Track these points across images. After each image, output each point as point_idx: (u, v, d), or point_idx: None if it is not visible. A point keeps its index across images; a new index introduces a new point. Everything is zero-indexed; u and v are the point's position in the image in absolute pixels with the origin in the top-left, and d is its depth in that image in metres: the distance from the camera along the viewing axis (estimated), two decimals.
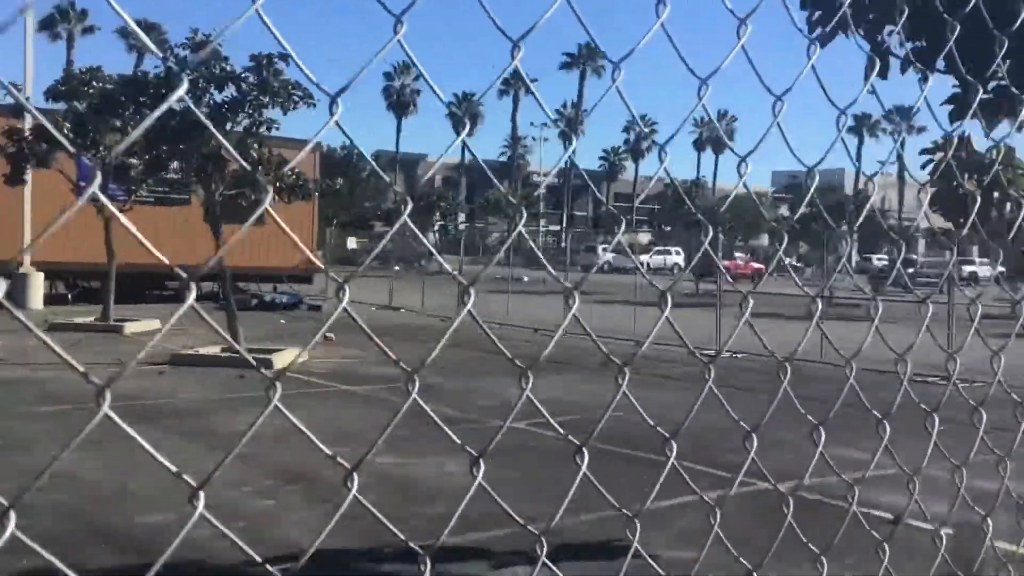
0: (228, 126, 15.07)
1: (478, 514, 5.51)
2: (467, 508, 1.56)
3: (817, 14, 5.20)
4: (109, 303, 20.24)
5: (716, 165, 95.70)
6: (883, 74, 4.91)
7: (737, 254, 60.33)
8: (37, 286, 25.18)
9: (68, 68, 17.85)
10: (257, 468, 7.92)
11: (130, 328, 19.72)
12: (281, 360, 14.78)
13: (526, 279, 47.51)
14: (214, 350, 15.33)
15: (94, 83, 16.72)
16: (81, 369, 1.01)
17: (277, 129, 15.29)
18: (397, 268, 44.33)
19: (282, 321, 23.14)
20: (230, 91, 14.77)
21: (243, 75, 14.42)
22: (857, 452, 5.80)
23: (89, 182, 1.01)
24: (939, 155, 10.45)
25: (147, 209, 25.47)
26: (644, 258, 58.00)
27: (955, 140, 5.19)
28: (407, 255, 52.13)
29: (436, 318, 24.74)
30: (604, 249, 64.47)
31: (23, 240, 24.73)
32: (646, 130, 74.59)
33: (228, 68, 14.36)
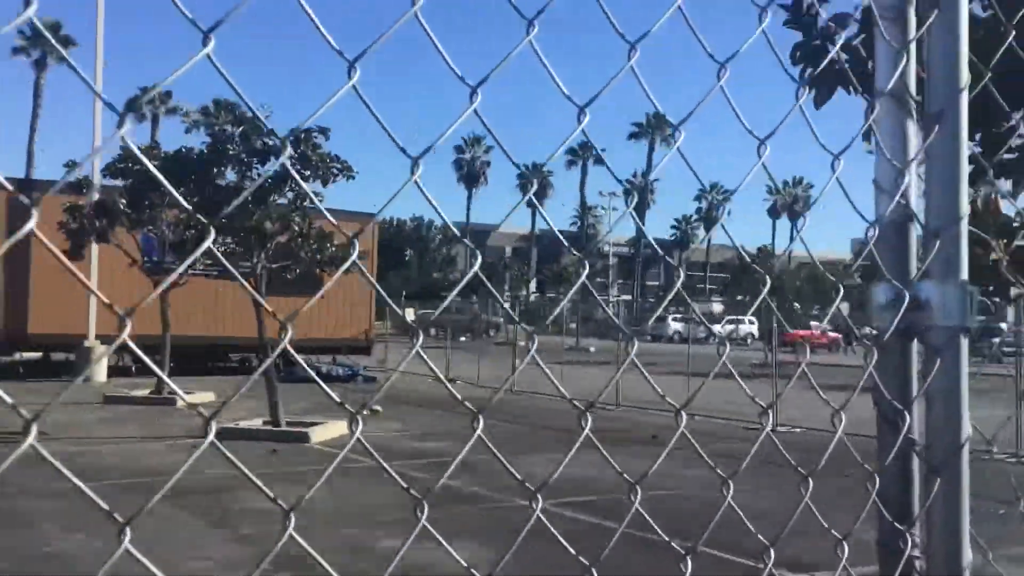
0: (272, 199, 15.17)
1: None
2: None
3: (808, 71, 4.80)
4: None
5: (791, 233, 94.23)
6: None
7: (813, 323, 58.99)
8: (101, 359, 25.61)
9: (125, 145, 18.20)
10: (259, 550, 7.59)
11: (183, 401, 19.79)
12: (318, 435, 14.56)
13: (592, 349, 46.86)
14: (256, 423, 15.20)
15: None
16: (10, 400, 0.95)
17: (321, 201, 15.32)
18: (464, 339, 44.07)
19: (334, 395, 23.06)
20: (272, 165, 14.89)
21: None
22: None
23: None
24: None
25: (209, 282, 25.85)
26: (716, 328, 56.97)
27: (978, 202, 4.69)
28: (475, 326, 52.03)
29: (491, 389, 24.42)
30: (674, 319, 63.72)
31: (88, 314, 25.29)
32: (719, 198, 73.86)
33: (270, 143, 14.50)
